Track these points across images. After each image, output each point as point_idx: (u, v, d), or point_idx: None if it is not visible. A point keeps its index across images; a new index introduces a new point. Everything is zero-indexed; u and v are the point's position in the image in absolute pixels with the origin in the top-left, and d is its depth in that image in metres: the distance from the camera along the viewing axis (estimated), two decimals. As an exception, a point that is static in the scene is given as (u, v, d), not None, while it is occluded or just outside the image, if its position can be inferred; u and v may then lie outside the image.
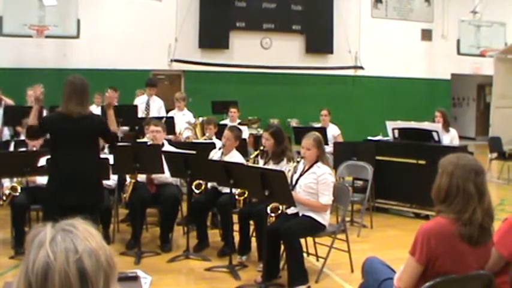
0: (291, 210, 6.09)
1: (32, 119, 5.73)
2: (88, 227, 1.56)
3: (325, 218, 6.04)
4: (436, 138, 9.17)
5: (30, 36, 15.79)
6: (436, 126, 9.56)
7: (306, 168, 6.15)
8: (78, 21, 16.46)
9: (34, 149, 7.41)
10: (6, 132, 10.04)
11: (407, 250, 3.46)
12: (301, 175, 6.14)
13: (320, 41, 18.67)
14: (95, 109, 10.32)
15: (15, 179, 7.07)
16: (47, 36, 15.98)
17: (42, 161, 6.81)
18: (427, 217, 8.45)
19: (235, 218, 6.82)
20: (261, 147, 6.96)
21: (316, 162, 6.09)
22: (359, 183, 9.09)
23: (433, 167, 3.74)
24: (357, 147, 9.15)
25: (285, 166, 6.50)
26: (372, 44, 19.08)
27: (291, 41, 18.62)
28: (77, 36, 16.49)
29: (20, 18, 15.80)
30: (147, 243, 7.41)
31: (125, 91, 12.07)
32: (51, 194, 5.70)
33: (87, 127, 5.61)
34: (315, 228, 6.03)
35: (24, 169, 6.72)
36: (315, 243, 6.65)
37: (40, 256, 1.46)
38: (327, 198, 5.96)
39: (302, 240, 6.10)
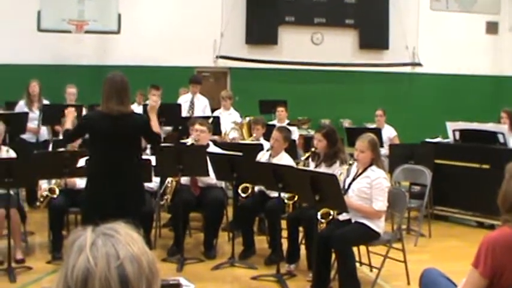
0: (343, 217, 6.06)
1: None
2: (130, 232, 1.56)
3: (379, 226, 5.99)
4: (501, 140, 9.00)
5: (69, 32, 16.00)
6: (501, 127, 9.39)
7: (360, 171, 6.11)
8: (119, 15, 16.64)
9: (75, 149, 7.50)
10: (44, 132, 10.19)
11: (469, 262, 3.40)
12: (354, 179, 6.10)
13: (375, 36, 18.46)
14: (137, 108, 10.40)
15: (53, 181, 7.17)
16: (86, 32, 16.18)
17: (82, 162, 6.90)
18: (492, 227, 8.31)
19: (283, 223, 6.81)
20: (312, 149, 6.94)
21: (370, 165, 6.05)
22: (416, 188, 9.00)
23: (499, 171, 3.68)
24: (414, 150, 9.08)
25: (337, 169, 6.46)
26: (431, 39, 18.79)
27: (344, 36, 18.48)
28: (118, 32, 16.66)
29: (59, 13, 16.01)
30: (190, 249, 7.46)
31: (167, 89, 12.21)
32: (90, 196, 5.77)
33: (128, 126, 5.64)
34: (369, 236, 5.99)
35: (64, 170, 6.80)
36: (368, 252, 6.60)
37: (80, 261, 1.47)
38: (381, 204, 5.91)
39: (355, 249, 6.07)
